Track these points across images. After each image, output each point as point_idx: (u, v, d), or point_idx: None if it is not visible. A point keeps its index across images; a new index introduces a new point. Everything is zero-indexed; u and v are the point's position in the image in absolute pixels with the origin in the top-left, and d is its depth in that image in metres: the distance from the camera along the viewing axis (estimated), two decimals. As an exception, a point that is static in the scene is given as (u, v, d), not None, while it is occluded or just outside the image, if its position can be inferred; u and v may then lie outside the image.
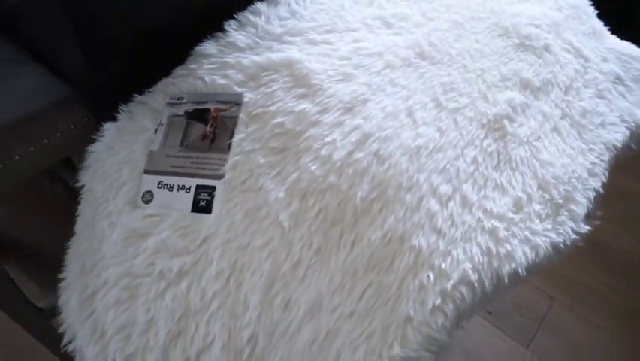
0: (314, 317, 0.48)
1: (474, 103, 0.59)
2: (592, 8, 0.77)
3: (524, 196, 0.54)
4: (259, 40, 0.63)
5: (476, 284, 0.48)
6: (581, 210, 0.56)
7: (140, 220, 0.56)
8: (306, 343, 0.48)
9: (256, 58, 0.61)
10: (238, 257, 0.51)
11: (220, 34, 0.65)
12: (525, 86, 0.63)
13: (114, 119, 0.63)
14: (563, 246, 0.53)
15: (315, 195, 0.51)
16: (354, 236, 0.50)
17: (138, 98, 0.63)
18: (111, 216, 0.57)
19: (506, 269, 0.49)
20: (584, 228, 0.55)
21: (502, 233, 0.51)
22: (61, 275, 0.59)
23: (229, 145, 0.56)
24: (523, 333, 1.02)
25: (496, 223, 0.51)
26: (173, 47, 0.64)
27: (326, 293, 0.49)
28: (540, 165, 0.57)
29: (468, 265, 0.48)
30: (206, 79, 0.60)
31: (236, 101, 0.59)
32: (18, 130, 0.63)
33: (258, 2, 0.67)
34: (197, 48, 0.64)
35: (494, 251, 0.50)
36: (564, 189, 0.56)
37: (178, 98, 0.61)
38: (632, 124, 0.67)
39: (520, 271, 0.50)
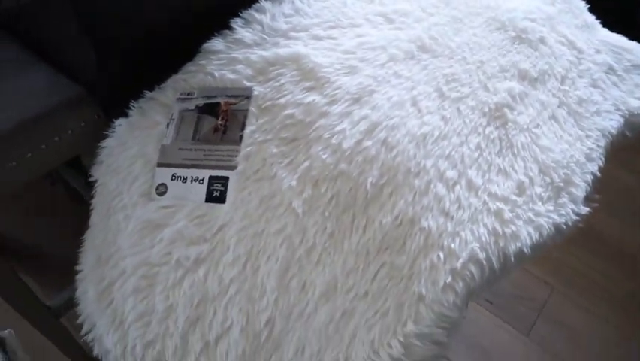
0: (329, 299, 0.50)
1: (475, 93, 0.62)
2: (583, 2, 0.80)
3: (526, 180, 0.56)
4: (265, 37, 0.65)
5: (484, 263, 0.50)
6: (580, 193, 0.58)
7: (155, 212, 0.57)
8: (323, 323, 0.50)
9: (264, 53, 0.63)
10: (254, 243, 0.53)
11: (227, 31, 0.67)
12: (523, 76, 0.66)
13: (125, 115, 0.64)
14: (564, 226, 0.55)
15: (326, 182, 0.53)
16: (366, 220, 0.52)
17: (148, 94, 0.64)
18: (126, 209, 0.59)
19: (512, 248, 0.52)
20: (584, 209, 0.57)
21: (507, 215, 0.53)
22: (77, 267, 0.60)
23: (241, 137, 0.58)
24: (524, 322, 1.04)
25: (501, 205, 0.54)
26: (182, 44, 0.66)
27: (340, 275, 0.50)
28: (540, 151, 0.59)
29: (476, 245, 0.51)
30: (216, 74, 0.62)
31: (246, 95, 0.60)
32: (30, 128, 0.64)
33: (262, 0, 0.69)
34: (205, 45, 0.66)
35: (500, 231, 0.52)
36: (564, 173, 0.58)
37: (188, 94, 0.63)
38: (626, 112, 0.70)
39: (525, 250, 0.52)
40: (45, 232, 1.17)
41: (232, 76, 0.61)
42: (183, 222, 0.56)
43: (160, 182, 0.59)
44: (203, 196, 0.57)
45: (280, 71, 0.61)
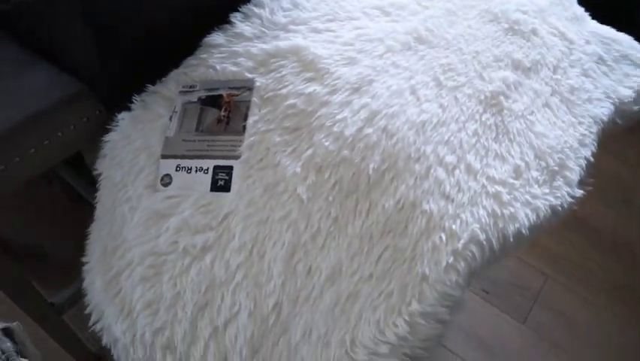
0: (335, 282, 0.51)
1: (471, 82, 0.63)
2: (572, -5, 0.82)
3: (523, 164, 0.58)
4: (265, 30, 0.66)
5: (485, 243, 0.52)
6: (574, 177, 0.60)
7: (161, 202, 0.58)
8: (329, 306, 0.51)
9: (264, 46, 0.64)
10: (259, 230, 0.54)
11: (227, 25, 0.68)
12: (517, 66, 0.68)
13: (128, 109, 0.65)
14: (560, 208, 0.57)
15: (329, 169, 0.55)
16: (369, 204, 0.53)
17: (151, 88, 0.65)
18: (131, 200, 0.60)
19: (511, 229, 0.53)
20: (579, 192, 0.59)
21: (506, 197, 0.55)
22: (83, 259, 0.60)
23: (244, 127, 0.59)
24: (519, 310, 1.06)
25: (499, 188, 0.55)
26: (183, 39, 0.67)
27: (345, 259, 0.52)
28: (535, 137, 0.61)
29: (476, 226, 0.52)
30: (218, 67, 0.63)
31: (248, 87, 0.62)
32: (33, 124, 0.65)
33: (261, -4, 0.70)
34: (206, 39, 0.67)
35: (499, 213, 0.54)
36: (558, 158, 0.60)
37: (190, 87, 0.64)
38: (616, 100, 0.72)
39: (523, 230, 0.54)
40: (44, 232, 1.17)
41: (234, 68, 0.63)
42: (189, 211, 0.56)
43: (165, 173, 0.60)
44: (208, 186, 0.58)
45: (281, 62, 0.62)
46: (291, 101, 0.59)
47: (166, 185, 0.59)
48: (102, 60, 0.64)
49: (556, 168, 0.59)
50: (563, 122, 0.65)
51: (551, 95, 0.67)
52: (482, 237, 0.52)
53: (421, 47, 0.66)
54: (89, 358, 0.96)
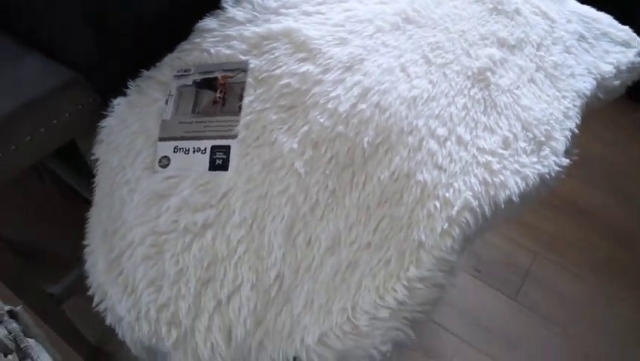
0: (335, 252, 0.53)
1: (459, 59, 0.65)
2: (553, -24, 0.84)
3: (511, 135, 0.60)
4: (257, 14, 0.67)
5: (477, 210, 0.54)
6: (560, 146, 0.62)
7: (160, 183, 0.59)
8: (330, 275, 0.52)
9: (256, 29, 0.65)
10: (259, 205, 0.55)
11: (218, 10, 0.69)
12: (502, 44, 0.70)
13: (123, 94, 0.66)
14: (548, 177, 0.59)
15: (325, 144, 0.56)
16: (365, 176, 0.55)
17: (145, 73, 0.66)
18: (129, 183, 0.60)
19: (502, 196, 0.55)
20: (565, 161, 0.62)
21: (496, 166, 0.57)
22: (84, 242, 0.61)
23: (239, 107, 0.60)
24: (511, 287, 1.09)
25: (489, 158, 0.57)
26: (177, 25, 0.68)
27: (344, 229, 0.53)
28: (522, 110, 0.63)
29: (469, 194, 0.54)
30: (212, 50, 0.64)
31: (242, 68, 0.63)
32: (28, 112, 0.65)
33: (251, -19, 0.71)
34: (199, 24, 0.68)
35: (490, 181, 0.56)
36: (544, 129, 0.62)
37: (185, 71, 0.65)
38: (598, 75, 0.74)
39: (514, 198, 0.56)
40: (36, 228, 1.17)
41: (227, 51, 0.64)
42: (188, 190, 0.58)
43: (162, 155, 0.61)
44: (207, 165, 0.59)
45: (274, 44, 0.63)
46: (285, 80, 0.60)
47: (164, 166, 0.60)
48: (100, 50, 0.65)
49: (542, 138, 0.62)
50: (548, 96, 0.67)
51: (536, 70, 0.69)
52: (475, 204, 0.54)
53: (409, 27, 0.67)
54: (89, 349, 0.97)
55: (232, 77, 0.63)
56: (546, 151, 0.61)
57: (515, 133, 0.61)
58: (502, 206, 0.55)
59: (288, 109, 0.59)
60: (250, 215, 0.55)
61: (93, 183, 0.64)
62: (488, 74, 0.65)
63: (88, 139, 0.71)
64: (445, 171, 0.55)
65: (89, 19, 0.62)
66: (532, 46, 0.72)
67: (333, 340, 0.51)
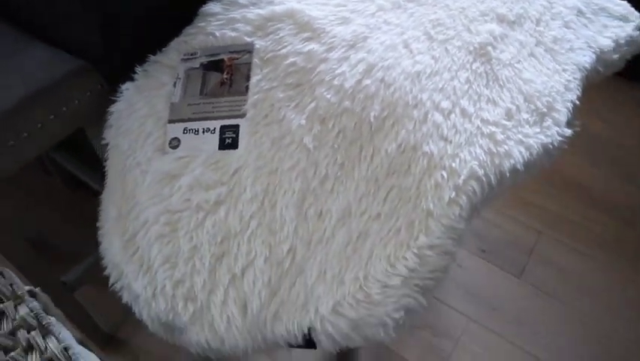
0: (345, 223, 0.54)
1: (460, 35, 0.67)
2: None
3: (513, 107, 0.62)
4: (259, -3, 0.69)
5: (484, 179, 0.55)
6: (562, 117, 0.63)
7: (171, 163, 0.60)
8: (341, 245, 0.54)
9: (260, 11, 0.66)
10: (270, 181, 0.56)
11: (222, -5, 0.70)
12: (501, 19, 0.71)
13: (131, 80, 0.67)
14: (551, 146, 0.61)
15: (333, 119, 0.57)
16: (373, 149, 0.56)
17: (152, 57, 0.67)
18: (141, 165, 0.62)
19: (507, 165, 0.57)
20: (567, 131, 0.63)
21: (500, 136, 0.58)
22: (98, 224, 0.62)
23: (247, 87, 0.62)
24: (515, 265, 1.10)
25: (493, 129, 0.58)
26: (181, 8, 0.69)
27: (354, 200, 0.55)
28: (523, 83, 0.65)
29: (475, 163, 0.55)
30: (217, 33, 0.65)
31: (248, 50, 0.64)
32: (39, 100, 0.67)
33: (252, -34, 0.72)
34: (203, 9, 0.69)
35: (495, 151, 0.57)
36: (546, 101, 0.64)
37: (192, 54, 0.66)
38: (597, 49, 0.75)
39: (518, 166, 0.57)
40: (44, 220, 1.18)
41: (232, 34, 0.65)
42: (199, 169, 0.59)
43: (172, 137, 0.62)
44: (216, 145, 0.60)
45: (278, 25, 0.65)
46: (291, 59, 0.61)
47: (175, 147, 0.61)
48: (105, 39, 0.66)
49: (545, 110, 0.63)
50: (549, 69, 0.68)
51: (536, 45, 0.70)
52: (481, 172, 0.55)
53: (410, 5, 0.68)
54: (102, 337, 0.98)
55: (238, 59, 0.64)
56: (548, 122, 0.62)
57: (518, 105, 0.62)
58: (508, 175, 0.56)
59: (295, 87, 0.60)
60: (261, 191, 0.56)
61: (103, 169, 0.65)
62: (489, 48, 0.66)
63: (97, 126, 0.72)
64: (451, 142, 0.57)
65: (90, 7, 0.63)
66: (532, 21, 0.73)
67: (347, 309, 0.52)
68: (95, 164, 0.88)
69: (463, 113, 0.59)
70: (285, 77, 0.60)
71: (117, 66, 0.69)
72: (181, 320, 0.55)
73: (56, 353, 0.47)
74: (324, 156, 0.56)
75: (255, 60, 0.62)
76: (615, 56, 0.77)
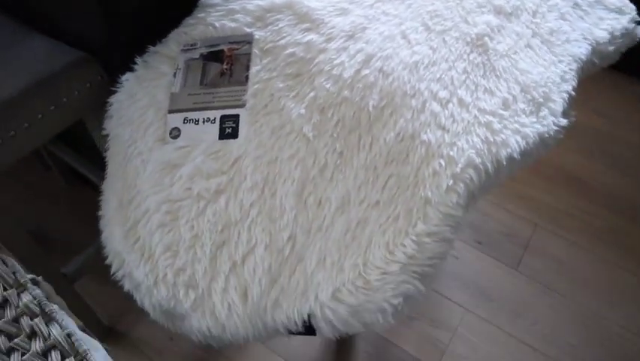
0: (345, 210, 0.55)
1: (457, 26, 0.67)
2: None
3: (510, 97, 0.62)
4: (259, -12, 0.69)
5: (481, 167, 0.56)
6: (558, 107, 0.64)
7: (172, 153, 0.61)
8: (341, 233, 0.54)
9: (259, 2, 0.67)
10: (269, 170, 0.57)
11: (221, -14, 0.70)
12: (498, 11, 0.72)
13: (130, 71, 0.67)
14: (547, 135, 0.61)
15: (332, 108, 0.58)
16: (371, 138, 0.57)
17: (152, 48, 0.68)
18: (142, 154, 0.62)
19: (503, 154, 0.57)
20: (563, 121, 0.64)
21: (497, 125, 0.59)
22: (99, 213, 0.63)
23: (246, 77, 0.62)
24: (512, 257, 1.11)
25: (490, 118, 0.59)
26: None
27: (353, 189, 0.55)
28: (520, 73, 0.65)
29: (472, 152, 0.56)
30: (216, 24, 0.66)
31: (248, 40, 0.64)
32: (39, 91, 0.67)
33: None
34: (202, 0, 0.69)
35: (492, 140, 0.58)
36: (542, 91, 0.64)
37: (192, 45, 0.66)
38: (593, 41, 0.76)
39: (515, 155, 0.58)
40: (44, 216, 1.18)
41: (232, 24, 0.65)
42: (200, 158, 0.59)
43: (173, 126, 0.62)
44: (217, 134, 0.61)
45: (277, 16, 0.65)
46: (290, 50, 0.62)
47: (175, 137, 0.62)
48: (108, 30, 0.66)
49: (541, 100, 0.64)
50: (545, 60, 0.69)
51: (532, 36, 0.71)
52: (478, 161, 0.56)
53: (408, -3, 0.69)
54: (102, 329, 0.99)
55: (238, 49, 0.64)
56: (544, 112, 0.63)
57: (514, 95, 0.63)
58: (504, 163, 0.57)
59: (295, 77, 0.60)
60: (261, 179, 0.57)
61: (102, 162, 0.66)
62: (486, 39, 0.67)
63: (96, 118, 0.72)
64: (448, 131, 0.57)
65: (94, 2, 0.63)
66: (528, 13, 0.74)
67: (346, 295, 0.53)
68: (94, 158, 0.89)
69: (461, 102, 0.60)
70: (285, 67, 0.61)
71: (118, 57, 0.69)
72: (182, 307, 0.55)
73: (60, 339, 0.47)
74: (323, 145, 0.56)
75: (255, 50, 0.63)
76: (611, 48, 0.78)
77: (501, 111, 0.61)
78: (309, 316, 0.54)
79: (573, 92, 0.68)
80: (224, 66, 0.64)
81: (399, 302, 0.53)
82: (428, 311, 1.05)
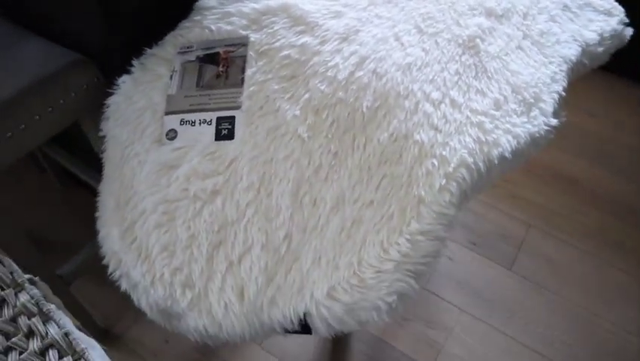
0: (339, 210, 0.56)
1: (449, 28, 0.68)
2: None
3: (501, 98, 0.63)
4: (254, -8, 0.70)
5: (473, 166, 0.57)
6: (549, 108, 0.65)
7: (168, 154, 0.61)
8: (336, 232, 0.55)
9: (255, 5, 0.68)
10: (265, 170, 0.58)
11: (216, -10, 0.71)
12: (489, 13, 0.73)
13: (127, 73, 0.68)
14: (538, 135, 0.62)
15: (327, 110, 0.59)
16: (365, 139, 0.58)
17: (149, 51, 0.68)
18: (139, 155, 0.63)
19: (495, 153, 0.58)
20: (553, 121, 0.65)
21: (488, 125, 0.60)
22: (96, 214, 0.63)
23: (242, 79, 0.63)
24: (506, 257, 1.12)
25: (482, 118, 0.60)
26: (177, 2, 0.70)
27: (347, 188, 0.56)
28: (511, 74, 0.67)
29: (464, 151, 0.57)
30: (212, 27, 0.67)
31: (243, 43, 0.65)
32: (36, 92, 0.68)
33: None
34: (198, 3, 0.70)
35: (484, 139, 0.59)
36: (533, 92, 0.66)
37: (188, 47, 0.67)
38: (583, 43, 0.77)
39: (506, 154, 0.59)
40: (39, 218, 1.18)
41: (228, 27, 0.66)
42: (196, 159, 0.60)
43: (169, 128, 0.63)
44: (213, 136, 0.61)
45: (272, 19, 0.66)
46: (285, 52, 0.63)
47: (172, 139, 0.63)
48: (107, 31, 0.67)
49: (532, 100, 0.65)
50: (535, 61, 0.70)
51: (523, 38, 0.72)
52: (470, 160, 0.57)
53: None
54: (98, 331, 0.99)
55: (234, 52, 0.65)
56: (535, 112, 0.64)
57: (506, 96, 0.64)
58: (496, 162, 0.58)
59: (290, 79, 0.61)
60: (257, 179, 0.58)
61: (97, 164, 0.66)
62: (478, 41, 0.68)
63: (93, 119, 0.73)
64: (441, 131, 0.58)
65: (94, 3, 0.64)
66: (519, 15, 0.75)
67: (341, 293, 0.53)
68: (89, 159, 0.89)
69: (453, 103, 0.61)
70: (280, 70, 0.62)
71: (117, 57, 0.70)
72: (179, 307, 0.56)
73: (57, 338, 0.48)
74: (318, 145, 0.57)
75: (250, 53, 0.64)
76: (600, 49, 0.79)
77: (492, 111, 0.62)
78: (304, 314, 0.54)
79: (563, 93, 0.69)
80: (220, 68, 0.64)
81: (393, 300, 0.54)
82: (423, 312, 1.05)
